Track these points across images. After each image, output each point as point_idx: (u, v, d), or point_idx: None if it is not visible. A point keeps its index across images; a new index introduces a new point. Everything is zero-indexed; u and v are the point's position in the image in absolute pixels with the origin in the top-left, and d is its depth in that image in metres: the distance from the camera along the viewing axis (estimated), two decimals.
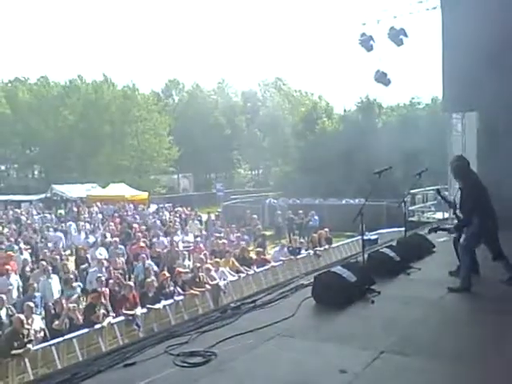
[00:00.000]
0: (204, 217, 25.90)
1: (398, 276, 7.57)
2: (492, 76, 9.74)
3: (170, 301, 11.05)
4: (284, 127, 56.63)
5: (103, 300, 10.22)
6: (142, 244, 15.71)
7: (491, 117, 11.21)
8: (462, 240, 6.77)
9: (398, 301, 6.36)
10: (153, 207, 30.35)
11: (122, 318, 10.13)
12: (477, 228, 6.48)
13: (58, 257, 14.58)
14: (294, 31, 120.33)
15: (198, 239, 17.96)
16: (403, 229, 9.87)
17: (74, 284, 11.87)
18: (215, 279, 12.20)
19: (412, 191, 16.65)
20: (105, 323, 9.69)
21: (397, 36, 13.97)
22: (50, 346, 8.97)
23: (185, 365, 4.47)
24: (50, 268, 12.54)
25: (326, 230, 18.84)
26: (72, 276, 12.32)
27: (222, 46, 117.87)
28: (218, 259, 13.71)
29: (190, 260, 14.87)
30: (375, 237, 15.68)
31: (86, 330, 9.45)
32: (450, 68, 11.89)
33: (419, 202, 18.38)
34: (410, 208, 15.68)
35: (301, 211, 24.73)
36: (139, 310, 10.40)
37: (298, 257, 15.82)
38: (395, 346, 4.80)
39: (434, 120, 33.48)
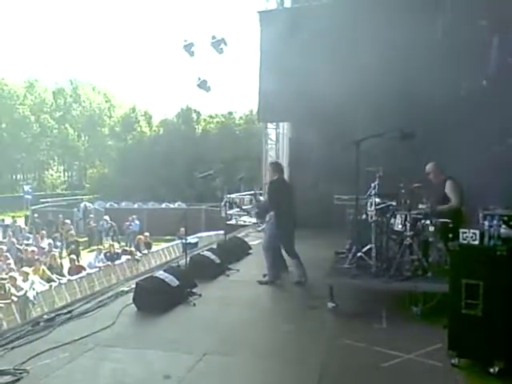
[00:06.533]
0: (9, 222, 23.52)
1: (219, 278, 7.81)
2: (303, 90, 10.69)
3: None
4: (102, 127, 54.29)
5: None
6: None
7: (302, 127, 12.28)
8: (263, 241, 7.65)
9: (218, 302, 6.53)
10: None
11: None
12: (273, 229, 7.29)
13: None
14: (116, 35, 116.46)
15: (3, 247, 16.18)
16: (222, 232, 10.21)
17: None
18: (22, 289, 11.12)
19: (230, 196, 17.31)
20: None
21: (218, 45, 14.46)
22: None
23: None
24: None
25: (146, 234, 18.61)
26: None
27: (31, 41, 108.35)
28: (26, 268, 12.51)
29: None
30: (195, 240, 15.88)
31: None
32: (266, 80, 12.67)
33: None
34: (229, 212, 16.25)
35: (118, 215, 24.09)
36: None
37: (116, 263, 15.31)
38: (217, 347, 4.91)
39: (251, 129, 35.47)
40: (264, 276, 7.56)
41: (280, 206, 7.19)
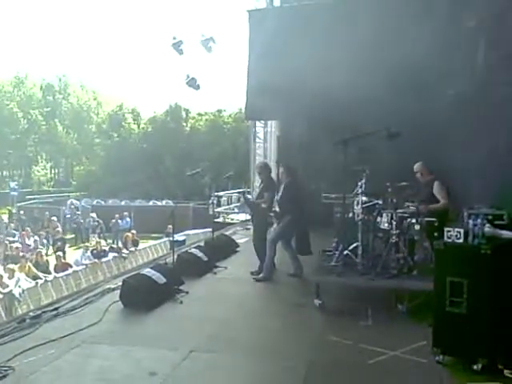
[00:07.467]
0: None
1: (206, 275, 7.81)
2: (291, 88, 10.69)
3: None
4: (89, 124, 53.84)
5: None
6: None
7: (290, 126, 12.30)
8: (271, 234, 7.60)
9: (205, 299, 6.54)
10: None
11: None
12: (285, 226, 7.39)
13: None
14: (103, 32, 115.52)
15: None
16: (210, 229, 10.20)
17: None
18: (8, 287, 11.04)
19: (217, 193, 17.30)
20: None
21: (207, 43, 14.41)
22: None
23: None
24: None
25: (134, 232, 18.55)
26: None
27: (20, 38, 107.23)
28: (12, 265, 12.41)
29: None
30: (183, 238, 15.86)
31: None
32: (254, 78, 12.64)
33: (224, 204, 19.16)
34: (216, 210, 16.23)
35: (105, 213, 23.99)
36: None
37: (103, 260, 15.26)
38: (204, 344, 4.92)
39: (240, 127, 35.44)
40: (252, 273, 7.59)
41: (297, 206, 7.39)
